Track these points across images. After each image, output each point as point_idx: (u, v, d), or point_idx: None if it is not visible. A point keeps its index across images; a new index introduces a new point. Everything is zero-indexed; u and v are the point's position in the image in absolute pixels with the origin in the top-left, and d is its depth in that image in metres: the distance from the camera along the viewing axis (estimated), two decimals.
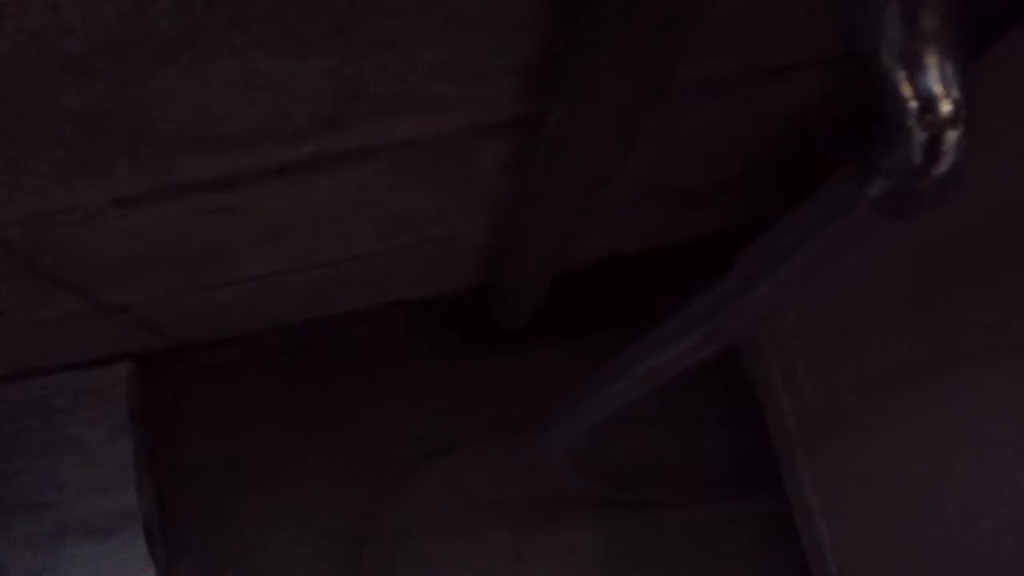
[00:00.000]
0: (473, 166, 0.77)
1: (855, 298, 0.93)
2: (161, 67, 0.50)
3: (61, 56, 0.47)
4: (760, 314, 0.48)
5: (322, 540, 1.12)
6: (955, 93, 0.28)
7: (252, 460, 1.14)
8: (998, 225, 0.70)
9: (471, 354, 1.19)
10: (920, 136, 0.29)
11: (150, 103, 0.54)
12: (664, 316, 0.73)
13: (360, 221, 0.84)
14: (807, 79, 0.79)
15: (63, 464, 1.06)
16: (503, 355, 1.19)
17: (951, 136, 0.29)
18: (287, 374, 1.15)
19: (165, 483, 1.11)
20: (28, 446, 1.06)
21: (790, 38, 0.69)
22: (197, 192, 0.68)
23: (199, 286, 0.91)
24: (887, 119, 0.30)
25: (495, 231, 0.98)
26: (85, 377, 1.07)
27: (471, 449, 1.14)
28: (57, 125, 0.54)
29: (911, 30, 0.27)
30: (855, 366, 0.95)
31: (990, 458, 0.76)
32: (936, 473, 0.84)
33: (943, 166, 0.30)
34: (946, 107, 0.29)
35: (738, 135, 0.91)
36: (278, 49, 0.52)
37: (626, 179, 0.92)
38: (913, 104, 0.29)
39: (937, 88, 0.28)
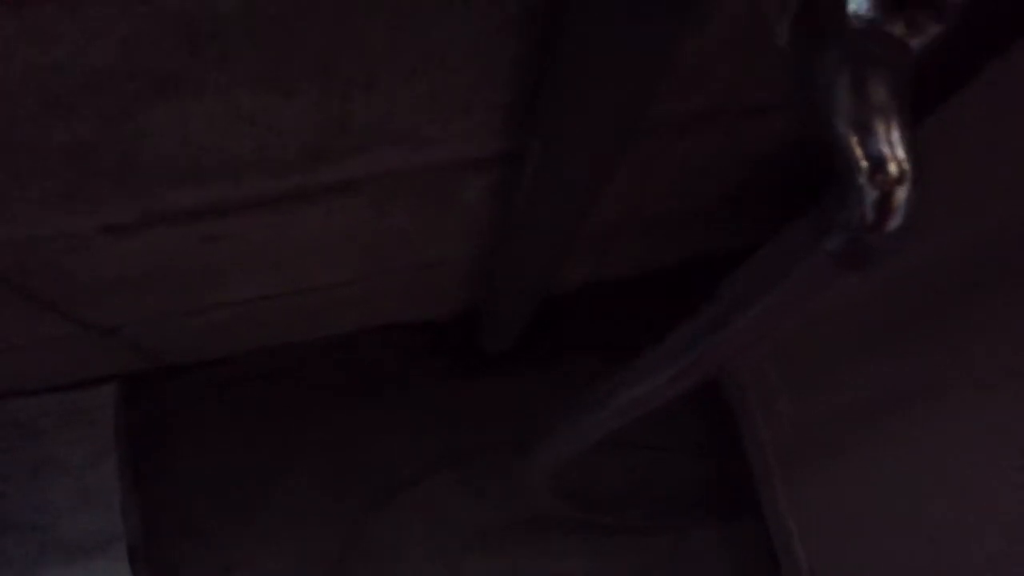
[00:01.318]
0: (457, 197, 0.79)
1: (834, 326, 0.94)
2: (149, 105, 0.52)
3: (52, 94, 0.48)
4: (732, 352, 0.49)
5: (305, 562, 1.13)
6: (902, 155, 0.30)
7: (237, 481, 1.14)
8: (983, 255, 0.72)
9: (456, 377, 1.20)
10: (872, 194, 0.31)
11: (138, 138, 0.55)
12: (645, 346, 0.74)
13: (346, 248, 0.85)
14: (784, 114, 0.81)
15: (47, 485, 1.06)
16: (488, 379, 1.20)
17: (900, 194, 0.30)
18: (273, 396, 1.16)
19: (150, 504, 1.12)
20: (12, 467, 1.06)
21: (763, 79, 0.71)
22: (184, 221, 0.69)
23: (186, 309, 0.92)
24: (841, 177, 0.31)
25: (480, 257, 0.99)
26: (71, 398, 1.07)
27: (454, 472, 1.15)
28: (46, 158, 0.55)
29: (860, 100, 0.29)
30: (834, 394, 0.96)
31: (972, 487, 0.77)
32: (916, 501, 0.85)
33: (894, 222, 0.31)
34: (894, 168, 0.30)
35: (720, 165, 0.93)
36: (264, 87, 0.54)
37: (608, 207, 0.94)
38: (864, 164, 0.30)
39: (886, 151, 0.30)
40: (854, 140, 0.30)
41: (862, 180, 0.30)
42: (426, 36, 0.51)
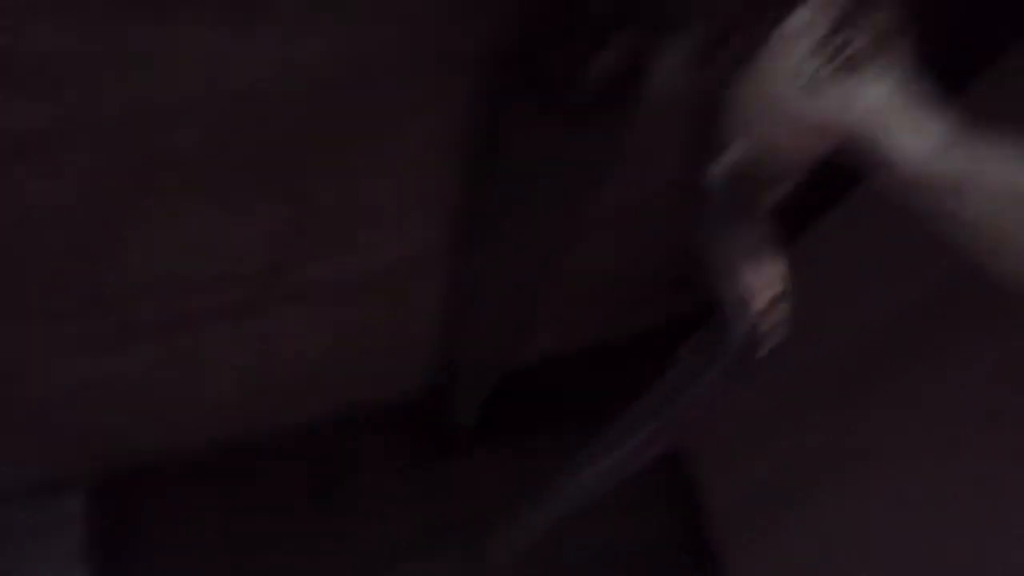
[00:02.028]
0: (411, 292, 0.84)
1: (784, 393, 0.99)
2: (120, 233, 0.56)
3: (26, 230, 0.53)
4: (660, 444, 0.54)
5: None
6: (773, 288, 0.35)
7: None
8: (908, 328, 0.78)
9: (422, 457, 1.22)
10: (749, 321, 0.36)
11: (110, 262, 0.59)
12: (607, 415, 0.78)
13: (308, 343, 0.89)
14: None
15: None
16: (454, 457, 1.23)
17: (772, 319, 0.36)
18: (240, 489, 1.17)
19: None
20: None
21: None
22: (152, 332, 0.73)
23: (152, 413, 0.95)
24: (724, 306, 0.37)
25: (437, 341, 1.03)
26: (38, 506, 1.07)
27: (423, 554, 1.16)
28: (25, 284, 0.59)
29: (735, 246, 0.35)
30: (784, 457, 1.01)
31: (911, 547, 0.81)
32: (860, 561, 0.89)
33: (770, 343, 0.37)
34: (765, 299, 0.36)
35: (669, 240, 0.98)
36: (223, 209, 0.58)
37: (558, 289, 0.98)
38: (742, 296, 0.36)
39: (758, 285, 0.35)
40: (733, 278, 0.35)
41: (740, 310, 0.36)
42: (376, 158, 0.57)
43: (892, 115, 0.27)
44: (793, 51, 0.28)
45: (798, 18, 0.27)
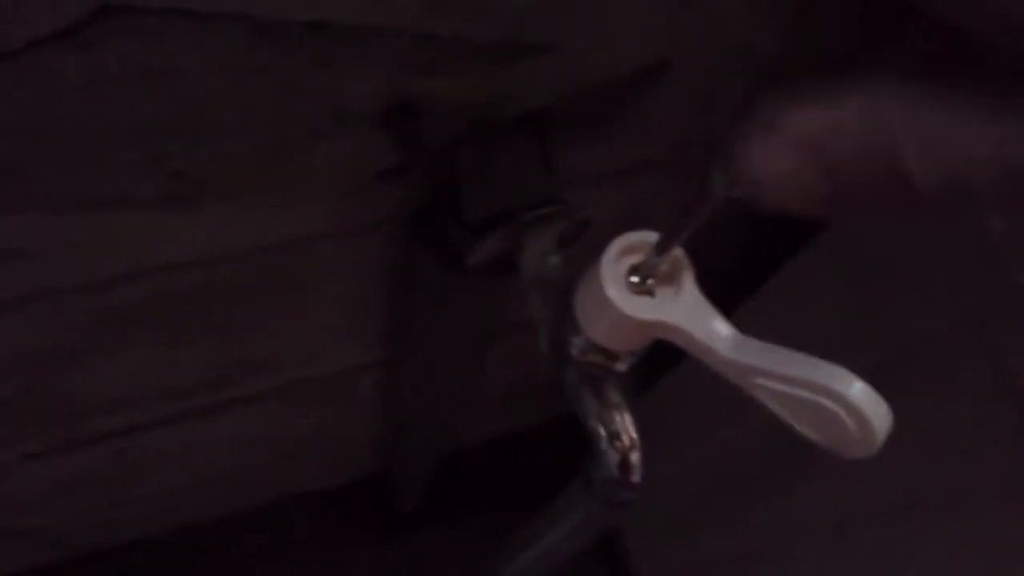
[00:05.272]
0: (352, 390, 0.89)
1: (710, 477, 1.04)
2: (66, 370, 0.61)
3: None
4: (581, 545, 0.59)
5: None
6: (631, 430, 0.42)
7: None
8: None
9: (370, 540, 1.26)
10: (615, 457, 0.42)
11: (57, 392, 0.64)
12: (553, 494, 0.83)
13: (254, 441, 0.93)
14: None
15: None
16: (401, 538, 1.27)
17: (634, 457, 0.42)
18: (187, 572, 1.20)
19: None
20: None
21: None
22: (99, 442, 0.77)
23: (102, 505, 0.98)
24: (591, 448, 0.43)
25: (382, 429, 1.08)
26: None
27: None
28: None
29: (600, 400, 0.41)
30: (712, 541, 1.06)
31: None
32: None
33: (636, 476, 0.43)
34: (626, 439, 0.42)
35: None
36: (169, 343, 0.63)
37: (494, 379, 1.05)
38: (605, 437, 0.42)
39: (619, 428, 0.42)
40: (599, 425, 0.41)
41: (605, 447, 0.42)
42: (307, 300, 0.63)
43: (698, 316, 0.33)
44: (621, 261, 0.34)
45: (631, 236, 0.34)
